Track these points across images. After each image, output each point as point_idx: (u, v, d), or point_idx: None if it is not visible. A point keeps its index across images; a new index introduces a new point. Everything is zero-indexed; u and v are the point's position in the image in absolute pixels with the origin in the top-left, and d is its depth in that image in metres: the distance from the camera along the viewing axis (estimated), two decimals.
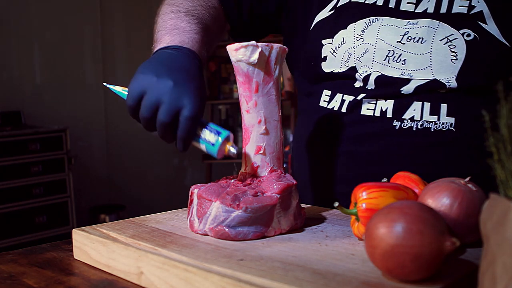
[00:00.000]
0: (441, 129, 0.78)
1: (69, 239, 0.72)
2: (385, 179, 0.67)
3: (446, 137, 0.78)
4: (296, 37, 0.93)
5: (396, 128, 0.79)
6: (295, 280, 0.47)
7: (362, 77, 0.82)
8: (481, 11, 0.79)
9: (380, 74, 0.80)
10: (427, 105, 0.78)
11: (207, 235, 0.64)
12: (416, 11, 0.82)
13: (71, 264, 0.66)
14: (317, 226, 0.68)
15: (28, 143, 2.68)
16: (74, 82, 3.34)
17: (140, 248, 0.59)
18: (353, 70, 0.82)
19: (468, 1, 0.80)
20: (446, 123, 0.78)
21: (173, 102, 0.65)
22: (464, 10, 0.80)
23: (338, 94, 0.85)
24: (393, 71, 0.79)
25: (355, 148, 0.83)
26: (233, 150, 0.66)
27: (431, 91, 0.78)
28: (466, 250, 0.57)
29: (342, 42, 0.84)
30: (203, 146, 0.67)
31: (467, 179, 0.58)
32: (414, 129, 0.78)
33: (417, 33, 0.79)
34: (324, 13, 0.89)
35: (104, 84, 0.77)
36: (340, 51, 0.84)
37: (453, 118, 0.78)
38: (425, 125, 0.78)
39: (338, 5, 0.87)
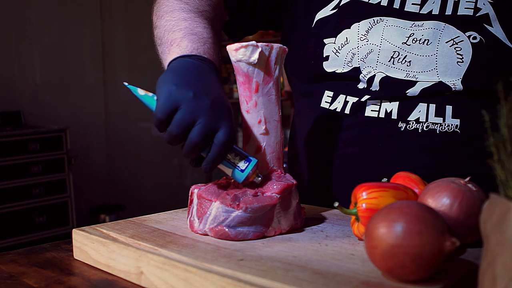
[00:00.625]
0: (446, 131, 0.77)
1: (69, 239, 0.72)
2: (385, 179, 0.67)
3: (452, 139, 0.77)
4: (296, 33, 0.92)
5: (402, 130, 0.79)
6: (295, 280, 0.47)
7: (366, 78, 0.81)
8: (487, 14, 0.79)
9: (385, 75, 0.79)
10: (433, 106, 0.78)
11: (207, 235, 0.64)
12: (421, 12, 0.81)
13: (71, 264, 0.66)
14: (317, 226, 0.68)
15: (28, 143, 2.68)
16: (74, 82, 3.34)
17: (140, 248, 0.59)
18: (357, 70, 0.82)
19: (474, 3, 0.80)
20: (452, 124, 0.77)
21: (210, 123, 0.61)
22: (470, 12, 0.79)
23: (341, 95, 0.84)
24: (398, 73, 0.79)
25: (359, 149, 0.82)
26: (259, 179, 0.65)
27: (436, 94, 0.78)
28: (466, 250, 0.57)
29: (346, 42, 0.83)
30: (229, 170, 0.65)
31: (467, 179, 0.58)
32: (419, 131, 0.78)
33: (422, 35, 0.79)
34: (326, 11, 0.87)
35: (125, 83, 0.71)
36: (343, 51, 0.83)
37: (458, 120, 0.77)
38: (431, 126, 0.78)
39: (341, 3, 0.86)
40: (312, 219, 0.72)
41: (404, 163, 0.78)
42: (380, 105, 0.80)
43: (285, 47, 0.69)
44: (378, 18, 0.81)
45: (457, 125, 0.77)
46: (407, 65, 0.78)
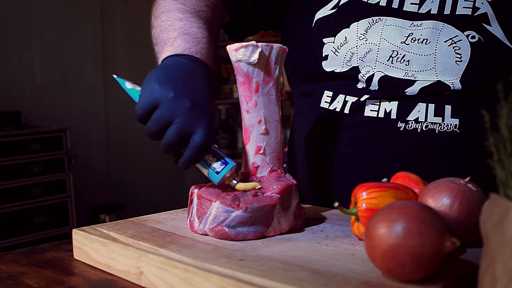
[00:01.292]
0: (445, 130, 0.77)
1: (69, 239, 0.72)
2: (385, 179, 0.67)
3: (451, 139, 0.77)
4: (296, 33, 0.92)
5: (401, 129, 0.79)
6: (295, 280, 0.47)
7: (365, 78, 0.81)
8: (486, 13, 0.79)
9: (384, 74, 0.80)
10: (432, 106, 0.78)
11: (207, 235, 0.64)
12: (419, 11, 0.81)
13: (71, 264, 0.66)
14: (317, 226, 0.68)
15: (28, 143, 2.68)
16: (74, 82, 3.34)
17: (140, 248, 0.59)
18: (356, 70, 0.82)
19: (472, 3, 0.80)
20: (451, 124, 0.77)
21: (186, 125, 0.62)
22: (468, 12, 0.79)
23: (340, 95, 0.84)
24: (396, 72, 0.79)
25: (358, 149, 0.82)
26: (234, 182, 0.65)
27: (435, 93, 0.78)
28: (466, 250, 0.57)
29: (345, 41, 0.83)
30: (206, 171, 0.66)
31: (467, 179, 0.58)
32: (418, 131, 0.78)
33: (421, 35, 0.79)
34: (326, 10, 0.88)
35: (114, 76, 0.73)
36: (342, 50, 0.83)
37: (457, 119, 0.77)
38: (430, 126, 0.78)
39: (341, 3, 0.86)
40: (312, 219, 0.72)
41: (403, 163, 0.78)
42: (379, 105, 0.80)
43: (285, 47, 0.69)
44: (377, 17, 0.81)
45: (456, 125, 0.77)
46: (406, 64, 0.78)
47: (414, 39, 0.79)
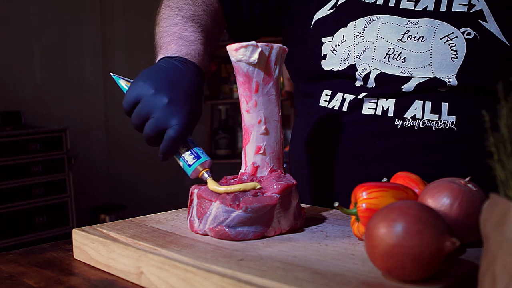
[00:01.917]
0: (442, 127, 0.78)
1: (69, 239, 0.72)
2: (385, 179, 0.67)
3: (447, 136, 0.78)
4: (296, 35, 0.93)
5: (398, 127, 0.79)
6: (295, 280, 0.47)
7: (362, 75, 0.82)
8: (481, 10, 0.79)
9: (380, 72, 0.80)
10: (428, 104, 0.78)
11: (207, 235, 0.64)
12: (416, 9, 0.82)
13: (71, 264, 0.66)
14: (317, 226, 0.68)
15: (28, 143, 2.68)
16: (74, 82, 3.34)
17: (140, 248, 0.59)
18: (353, 68, 0.82)
19: (468, 0, 0.80)
20: (447, 121, 0.78)
21: (162, 119, 0.68)
22: (464, 9, 0.80)
23: (338, 93, 0.85)
24: (393, 69, 0.79)
25: (357, 147, 0.82)
26: (206, 175, 0.69)
27: (431, 90, 0.78)
28: (466, 250, 0.57)
29: (342, 40, 0.84)
30: (181, 163, 0.71)
31: (467, 179, 0.58)
32: (415, 128, 0.78)
33: (417, 32, 0.79)
34: (324, 11, 0.88)
35: (111, 74, 0.79)
36: (340, 49, 0.84)
37: (454, 116, 0.78)
38: (427, 123, 0.78)
39: (338, 3, 0.87)
40: (312, 219, 0.72)
41: (401, 160, 0.79)
42: (377, 103, 0.81)
43: (285, 47, 0.69)
44: (374, 16, 0.82)
45: (453, 122, 0.78)
46: (402, 61, 0.79)
47: (410, 36, 0.79)
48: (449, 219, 0.55)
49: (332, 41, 0.85)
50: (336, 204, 0.58)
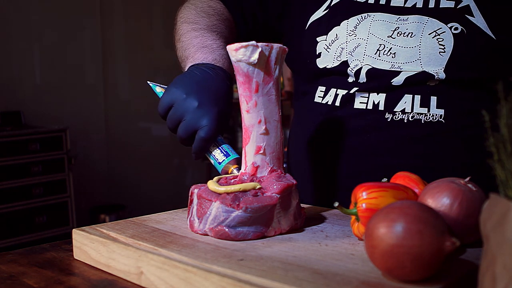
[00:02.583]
0: (431, 120, 0.80)
1: (69, 239, 0.72)
2: (385, 179, 0.67)
3: (436, 129, 0.80)
4: (293, 38, 0.96)
5: (388, 120, 0.81)
6: (295, 280, 0.47)
7: (353, 71, 0.84)
8: (468, 5, 0.82)
9: (371, 67, 0.83)
10: (418, 97, 0.80)
11: (207, 235, 0.64)
12: (405, 5, 0.84)
13: (71, 264, 0.66)
14: (317, 226, 0.68)
15: (28, 143, 2.68)
16: (74, 82, 3.34)
17: (140, 248, 0.59)
18: (345, 64, 0.85)
19: None
20: (436, 114, 0.80)
21: (193, 121, 0.73)
22: (451, 5, 0.82)
23: (332, 89, 0.88)
24: (383, 64, 0.82)
25: (349, 141, 0.85)
26: (236, 172, 0.73)
27: (420, 83, 0.80)
28: (466, 250, 0.57)
29: (336, 38, 0.87)
30: (211, 161, 0.77)
31: (467, 179, 0.58)
32: (405, 121, 0.80)
33: (407, 29, 0.82)
34: (319, 12, 0.92)
35: (148, 82, 0.84)
36: (333, 47, 0.87)
37: (443, 110, 0.80)
38: (416, 117, 0.80)
39: (332, 4, 0.90)
40: (312, 219, 0.72)
41: (391, 152, 0.81)
42: (368, 97, 0.83)
43: (285, 47, 0.69)
44: (365, 14, 0.86)
45: (441, 115, 0.80)
46: (392, 56, 0.81)
47: (400, 33, 0.82)
48: (449, 219, 0.55)
49: (326, 40, 0.88)
50: (336, 204, 0.58)
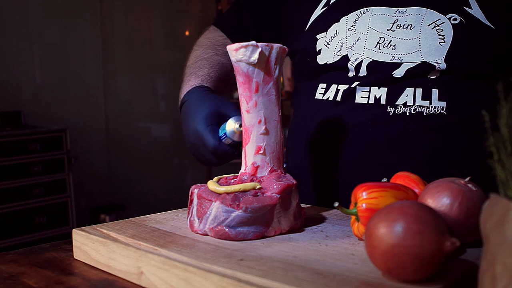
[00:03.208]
0: (433, 113, 0.80)
1: (69, 239, 0.72)
2: (385, 179, 0.67)
3: (439, 121, 0.80)
4: (295, 38, 0.96)
5: (390, 114, 0.81)
6: (295, 280, 0.47)
7: (354, 65, 0.84)
8: None
9: (372, 60, 0.83)
10: (419, 90, 0.81)
11: (207, 235, 0.64)
12: None
13: (71, 264, 0.66)
14: (317, 226, 0.68)
15: (28, 143, 2.68)
16: (74, 82, 3.34)
17: (140, 248, 0.59)
18: (345, 59, 0.85)
19: None
20: (438, 107, 0.80)
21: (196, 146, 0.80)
22: None
23: (333, 85, 0.88)
24: (384, 57, 0.82)
25: (351, 136, 0.84)
26: (238, 127, 0.74)
27: (421, 75, 0.81)
28: (466, 250, 0.57)
29: (335, 34, 0.87)
30: (229, 140, 0.76)
31: (467, 179, 0.58)
32: (407, 114, 0.80)
33: (406, 21, 0.82)
34: (318, 11, 0.92)
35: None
36: (333, 43, 0.87)
37: (444, 102, 0.80)
38: (418, 110, 0.80)
39: (331, 2, 0.91)
40: (312, 219, 0.72)
41: (393, 147, 0.81)
42: (369, 92, 0.83)
43: (285, 47, 0.69)
44: (364, 9, 0.86)
45: (443, 107, 0.80)
46: (392, 48, 0.82)
47: (399, 25, 0.82)
48: (449, 219, 0.55)
49: (326, 36, 0.88)
50: (336, 204, 0.58)
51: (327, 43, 0.88)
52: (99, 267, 0.64)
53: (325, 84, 0.89)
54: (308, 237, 0.63)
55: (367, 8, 0.86)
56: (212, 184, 0.66)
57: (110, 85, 3.52)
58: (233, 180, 0.69)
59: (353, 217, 0.60)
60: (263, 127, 0.68)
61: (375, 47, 0.83)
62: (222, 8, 3.77)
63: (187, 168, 3.95)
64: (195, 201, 0.67)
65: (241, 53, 0.65)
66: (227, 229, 0.62)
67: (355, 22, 0.86)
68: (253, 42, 0.65)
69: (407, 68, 0.81)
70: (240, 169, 0.71)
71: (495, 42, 0.80)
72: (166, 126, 3.76)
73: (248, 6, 1.06)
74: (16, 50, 3.07)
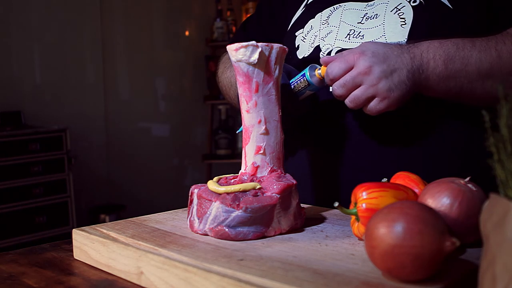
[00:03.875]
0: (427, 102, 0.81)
1: (69, 239, 0.72)
2: (385, 179, 0.67)
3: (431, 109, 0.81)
4: (279, 41, 0.99)
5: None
6: (295, 280, 0.47)
7: (325, 54, 0.88)
8: None
9: (341, 48, 0.87)
10: None
11: (207, 235, 0.64)
12: None
13: (71, 264, 0.66)
14: (317, 226, 0.68)
15: (28, 143, 2.67)
16: (74, 82, 3.34)
17: (140, 248, 0.59)
18: (318, 49, 0.90)
19: None
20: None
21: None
22: None
23: None
24: (352, 45, 0.86)
25: (328, 122, 0.88)
26: (320, 71, 0.78)
27: None
28: (466, 250, 0.57)
29: (310, 29, 0.92)
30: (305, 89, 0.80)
31: (467, 179, 0.58)
32: None
33: (373, 12, 0.87)
34: (298, 12, 0.98)
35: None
36: (308, 37, 0.92)
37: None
38: None
39: (309, 2, 0.96)
40: (312, 219, 0.72)
41: (368, 129, 0.84)
42: None
43: (285, 47, 0.69)
44: (337, 5, 0.91)
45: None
46: (361, 38, 0.86)
47: (368, 17, 0.87)
48: (449, 219, 0.55)
49: (302, 32, 0.94)
50: (336, 204, 0.58)
51: (304, 38, 0.93)
52: (99, 267, 0.64)
53: None
54: (308, 237, 0.63)
55: (340, 4, 0.91)
56: (212, 184, 0.66)
57: (110, 85, 3.52)
58: (233, 180, 0.69)
59: (353, 217, 0.60)
60: (263, 127, 0.68)
61: (345, 38, 0.87)
62: (222, 8, 3.77)
63: (187, 168, 3.95)
64: (195, 201, 0.67)
65: (241, 53, 0.65)
66: (227, 229, 0.62)
67: (328, 17, 0.91)
68: (253, 42, 0.65)
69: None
70: (240, 169, 0.71)
71: (453, 20, 0.83)
72: (166, 126, 3.75)
73: (255, 25, 1.11)
74: (16, 50, 3.07)
